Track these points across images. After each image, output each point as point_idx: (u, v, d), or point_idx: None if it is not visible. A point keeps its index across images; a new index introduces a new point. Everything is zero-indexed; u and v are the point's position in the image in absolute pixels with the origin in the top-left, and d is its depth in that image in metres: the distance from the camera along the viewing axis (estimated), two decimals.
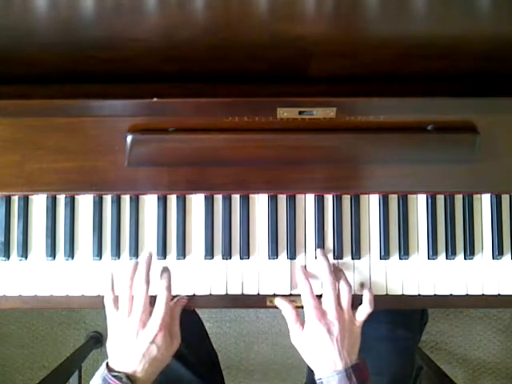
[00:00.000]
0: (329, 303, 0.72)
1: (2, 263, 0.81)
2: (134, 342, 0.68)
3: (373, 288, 0.81)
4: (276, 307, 0.79)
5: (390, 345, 0.90)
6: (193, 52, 0.69)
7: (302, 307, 0.75)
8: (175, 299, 0.76)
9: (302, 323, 0.74)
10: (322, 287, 0.74)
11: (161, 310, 0.69)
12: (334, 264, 0.79)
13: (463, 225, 0.82)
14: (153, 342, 0.68)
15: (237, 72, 0.72)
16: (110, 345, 0.70)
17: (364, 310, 0.74)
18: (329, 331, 0.70)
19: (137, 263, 0.73)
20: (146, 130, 0.75)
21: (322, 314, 0.71)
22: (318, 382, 0.70)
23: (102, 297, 0.74)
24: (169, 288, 0.72)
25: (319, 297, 0.75)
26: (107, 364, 0.69)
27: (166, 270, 0.75)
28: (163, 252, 0.81)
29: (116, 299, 0.72)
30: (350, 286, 0.75)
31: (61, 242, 0.81)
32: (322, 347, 0.70)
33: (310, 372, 0.79)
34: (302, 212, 0.82)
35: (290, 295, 0.80)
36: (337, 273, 0.77)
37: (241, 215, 0.81)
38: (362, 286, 0.80)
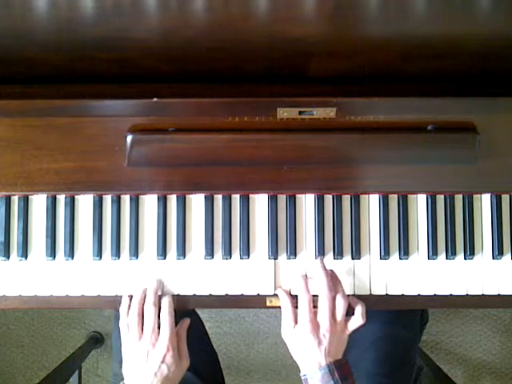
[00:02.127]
0: (323, 317, 0.74)
1: (2, 263, 0.81)
2: (145, 362, 0.74)
3: (372, 288, 0.81)
4: (276, 307, 0.79)
5: (390, 345, 0.90)
6: (193, 52, 0.69)
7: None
8: (180, 323, 0.80)
9: (296, 320, 0.76)
10: (319, 299, 0.75)
11: (166, 332, 0.75)
12: (331, 273, 0.79)
13: (463, 225, 0.82)
14: (163, 361, 0.74)
15: (237, 72, 0.72)
16: (125, 367, 0.75)
17: (356, 322, 0.76)
18: (320, 343, 0.72)
19: (145, 290, 0.78)
20: (146, 130, 0.75)
21: (316, 327, 0.73)
22: (302, 377, 0.74)
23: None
24: (171, 313, 0.77)
25: (314, 296, 0.76)
26: None
27: (166, 297, 0.79)
28: (163, 252, 0.81)
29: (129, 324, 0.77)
30: (346, 299, 0.75)
31: (61, 242, 0.81)
32: (310, 352, 0.73)
33: None
34: (302, 212, 0.82)
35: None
36: (334, 282, 0.77)
37: (241, 215, 0.81)
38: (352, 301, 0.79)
